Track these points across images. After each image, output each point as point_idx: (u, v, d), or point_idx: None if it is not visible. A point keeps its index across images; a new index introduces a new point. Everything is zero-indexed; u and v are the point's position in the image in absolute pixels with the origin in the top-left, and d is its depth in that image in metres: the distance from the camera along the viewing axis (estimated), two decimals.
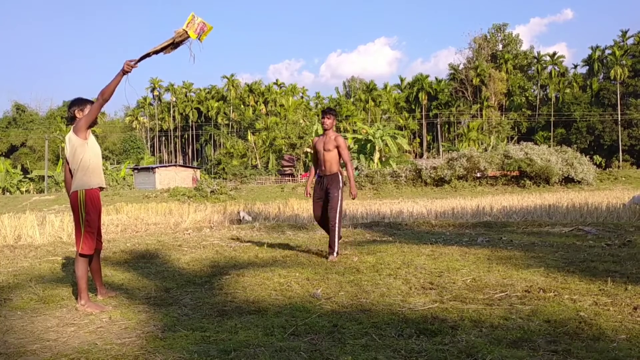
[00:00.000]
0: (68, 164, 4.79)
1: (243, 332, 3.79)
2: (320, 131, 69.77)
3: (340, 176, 7.07)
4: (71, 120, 4.83)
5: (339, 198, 6.94)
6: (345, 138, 70.96)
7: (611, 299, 4.39)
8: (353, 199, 7.10)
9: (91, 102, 4.80)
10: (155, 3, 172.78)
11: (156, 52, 4.68)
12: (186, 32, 4.66)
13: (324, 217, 7.15)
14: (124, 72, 4.57)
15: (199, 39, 4.72)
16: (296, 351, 3.36)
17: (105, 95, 4.58)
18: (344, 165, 7.24)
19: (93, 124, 4.77)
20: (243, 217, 15.68)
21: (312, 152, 7.75)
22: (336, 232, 6.81)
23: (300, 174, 64.97)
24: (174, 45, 4.70)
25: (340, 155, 7.07)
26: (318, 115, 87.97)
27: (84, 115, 4.72)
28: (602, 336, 3.50)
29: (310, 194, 7.34)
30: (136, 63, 4.61)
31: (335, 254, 6.77)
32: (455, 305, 4.34)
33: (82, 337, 3.83)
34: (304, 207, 20.51)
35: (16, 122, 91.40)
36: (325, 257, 6.87)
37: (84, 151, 4.69)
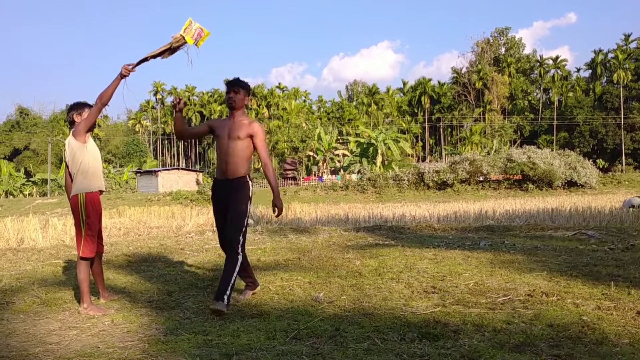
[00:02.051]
0: (68, 167, 4.81)
1: (245, 335, 3.79)
2: (324, 135, 69.35)
3: (249, 183, 4.82)
4: (71, 124, 4.87)
5: (244, 217, 4.70)
6: (348, 142, 71.54)
7: (614, 303, 4.37)
8: (277, 216, 4.89)
9: (89, 106, 4.83)
10: (160, 6, 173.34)
11: (153, 56, 4.70)
12: (183, 37, 4.67)
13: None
14: (122, 76, 4.60)
15: (195, 44, 4.73)
16: (298, 355, 3.35)
17: (104, 99, 4.61)
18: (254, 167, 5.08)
19: (92, 127, 4.79)
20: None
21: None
22: (234, 270, 4.57)
23: (303, 178, 64.98)
24: (171, 50, 4.71)
25: (255, 148, 4.81)
26: (321, 119, 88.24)
27: (82, 119, 4.75)
28: (605, 340, 3.49)
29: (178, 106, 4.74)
30: (134, 67, 4.64)
31: (225, 300, 4.41)
32: (458, 309, 4.33)
33: (85, 340, 3.83)
34: (307, 211, 20.52)
35: (19, 125, 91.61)
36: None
37: (84, 155, 4.71)
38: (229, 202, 4.74)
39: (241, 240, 4.69)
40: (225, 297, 4.43)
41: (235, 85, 4.82)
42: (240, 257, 4.65)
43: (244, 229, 4.70)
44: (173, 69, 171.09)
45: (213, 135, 4.91)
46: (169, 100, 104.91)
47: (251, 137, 4.74)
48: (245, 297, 4.95)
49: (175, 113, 4.76)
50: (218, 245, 8.82)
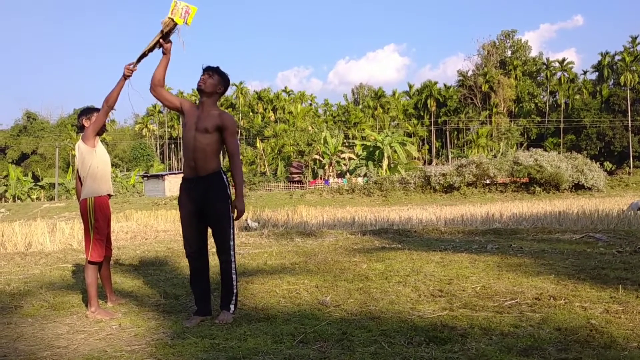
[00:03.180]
0: (78, 172, 4.83)
1: (252, 339, 3.79)
2: (330, 139, 69.25)
3: (225, 177, 4.43)
4: (80, 129, 4.90)
5: (229, 218, 4.36)
6: (354, 145, 71.52)
7: (622, 307, 4.35)
8: (236, 218, 4.37)
9: (99, 111, 4.84)
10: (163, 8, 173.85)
11: (151, 49, 4.64)
12: (172, 19, 4.59)
13: (202, 248, 4.50)
14: (125, 76, 4.59)
15: (186, 23, 4.67)
16: (305, 359, 3.35)
17: (110, 102, 4.62)
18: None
19: (101, 131, 4.81)
20: (250, 225, 15.69)
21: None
22: (233, 279, 4.41)
23: (309, 181, 65.01)
24: (164, 37, 4.64)
25: (225, 143, 4.39)
26: (326, 122, 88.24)
27: (90, 124, 4.77)
28: (614, 344, 3.47)
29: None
30: (135, 65, 4.62)
31: (231, 307, 4.40)
32: (465, 313, 4.32)
33: (92, 344, 3.84)
34: (313, 214, 20.53)
35: (27, 130, 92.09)
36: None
37: (92, 159, 4.73)
38: (206, 203, 4.32)
39: (232, 245, 4.39)
40: (232, 305, 4.40)
41: (211, 69, 4.46)
42: (234, 262, 4.42)
43: (232, 230, 4.38)
44: (178, 73, 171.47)
45: (181, 116, 4.50)
46: None
47: (220, 130, 4.32)
48: (220, 319, 4.33)
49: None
50: None
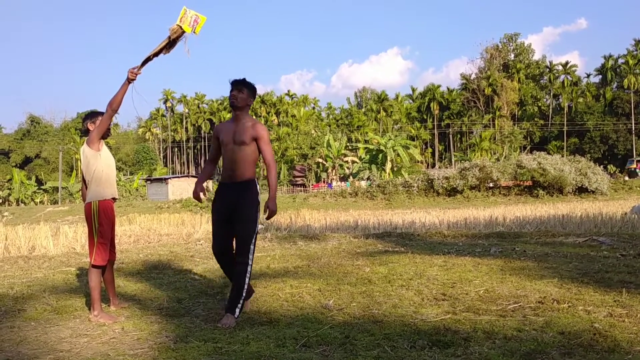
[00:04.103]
0: (84, 175, 4.84)
1: (255, 343, 3.79)
2: (333, 142, 69.41)
3: (257, 186, 4.68)
4: (85, 133, 4.90)
5: (255, 223, 4.59)
6: (357, 148, 71.55)
7: (626, 310, 4.34)
8: (267, 218, 4.65)
9: (103, 115, 4.85)
10: (169, 12, 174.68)
11: (156, 54, 4.67)
12: (180, 27, 4.62)
13: (230, 250, 4.70)
14: (129, 80, 4.60)
15: (194, 32, 4.69)
16: None
17: (114, 105, 4.63)
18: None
19: (106, 135, 4.81)
20: None
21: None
22: (244, 283, 4.47)
23: (312, 184, 65.03)
24: (170, 43, 4.67)
25: (260, 152, 4.63)
26: (330, 126, 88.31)
27: (95, 128, 4.78)
28: (617, 348, 3.46)
29: (199, 197, 4.86)
30: (139, 69, 4.64)
31: (237, 312, 4.42)
32: (468, 317, 4.31)
33: (95, 348, 3.85)
34: (316, 218, 20.52)
35: (30, 133, 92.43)
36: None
37: (97, 162, 4.73)
38: (237, 206, 4.54)
39: (252, 249, 4.55)
40: (237, 309, 4.41)
41: (240, 84, 4.63)
42: (250, 265, 4.54)
43: (255, 235, 4.57)
44: (182, 77, 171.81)
45: (217, 140, 4.74)
46: (179, 108, 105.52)
47: (256, 139, 4.57)
48: (222, 323, 4.40)
49: None
50: None
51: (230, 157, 4.59)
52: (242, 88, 4.61)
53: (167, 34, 4.64)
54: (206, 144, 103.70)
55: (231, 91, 4.61)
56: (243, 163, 4.57)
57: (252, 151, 4.58)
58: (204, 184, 4.92)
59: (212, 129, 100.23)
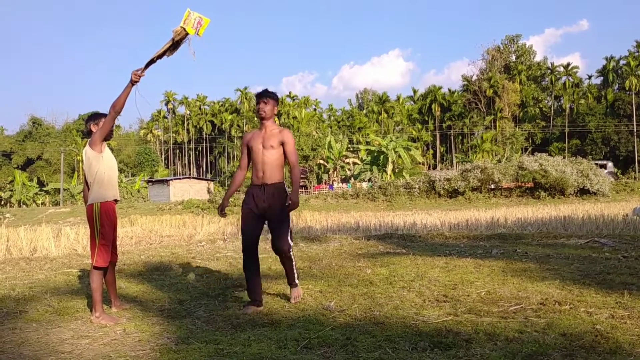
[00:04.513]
0: (86, 177, 4.84)
1: (256, 344, 3.79)
2: (334, 144, 69.46)
3: (286, 187, 5.14)
4: (88, 134, 4.90)
5: (288, 220, 5.09)
6: (358, 150, 71.52)
7: (628, 312, 4.33)
8: (290, 210, 5.05)
9: (106, 116, 4.85)
10: (171, 13, 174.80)
11: (159, 56, 4.67)
12: (184, 29, 4.63)
13: (256, 247, 5.13)
14: (132, 82, 4.60)
15: (197, 33, 4.70)
16: None
17: (117, 107, 4.63)
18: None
19: (108, 137, 4.81)
20: None
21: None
22: (293, 264, 5.15)
23: (313, 186, 65.00)
24: (174, 45, 4.67)
25: (285, 155, 5.10)
26: (331, 127, 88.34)
27: (97, 129, 4.78)
28: (619, 350, 3.45)
29: (225, 214, 5.28)
30: (143, 71, 4.64)
31: (297, 283, 5.23)
32: (470, 318, 4.31)
33: (97, 349, 3.85)
34: (317, 219, 20.51)
35: (32, 135, 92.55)
36: (287, 299, 5.29)
37: (99, 164, 4.74)
38: (270, 207, 4.98)
39: (291, 243, 5.07)
40: (296, 282, 5.20)
41: (264, 96, 5.06)
42: (293, 257, 5.14)
43: (290, 232, 5.07)
44: (184, 79, 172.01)
45: (248, 147, 5.15)
46: (180, 110, 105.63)
47: (282, 144, 5.03)
48: (294, 297, 5.19)
49: None
50: (229, 253, 8.88)
51: (261, 161, 5.02)
52: (267, 100, 5.06)
53: (170, 35, 4.65)
54: (207, 145, 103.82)
55: (257, 104, 5.08)
56: (272, 166, 5.02)
57: (280, 155, 5.05)
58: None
59: (213, 130, 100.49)
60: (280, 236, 5.02)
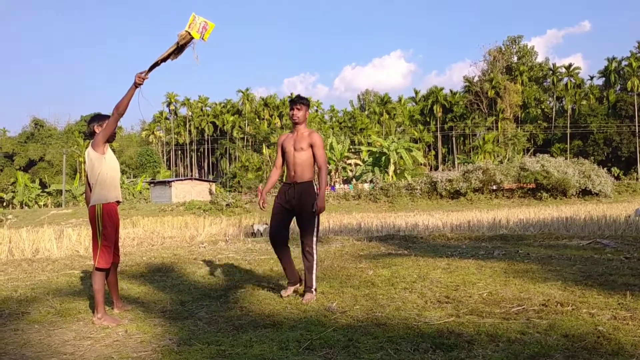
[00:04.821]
0: (88, 178, 4.84)
1: (258, 346, 3.79)
2: (336, 145, 69.55)
3: (315, 186, 5.55)
4: (91, 135, 4.89)
5: (315, 217, 5.46)
6: (360, 151, 71.47)
7: (630, 313, 4.32)
8: (317, 214, 5.40)
9: (109, 118, 4.85)
10: (172, 15, 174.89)
11: (164, 59, 4.68)
12: (189, 33, 4.64)
13: (284, 238, 5.58)
14: (136, 85, 4.60)
15: (202, 38, 4.71)
16: None
17: (120, 109, 4.63)
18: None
19: (111, 138, 4.81)
20: (257, 230, 15.71)
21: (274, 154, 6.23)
22: (314, 262, 5.41)
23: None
24: (179, 49, 4.68)
25: (314, 156, 5.50)
26: (333, 129, 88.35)
27: (100, 131, 4.78)
28: (621, 351, 3.45)
29: (264, 207, 5.64)
30: (146, 74, 4.64)
31: (313, 291, 5.37)
32: (472, 320, 4.31)
33: (99, 350, 3.85)
34: (319, 220, 20.49)
35: (34, 137, 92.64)
36: (301, 295, 5.47)
37: (102, 166, 4.74)
38: (299, 203, 5.40)
39: (315, 239, 5.43)
40: (313, 289, 5.35)
41: (298, 103, 5.51)
42: (315, 254, 5.42)
43: (316, 228, 5.47)
44: (186, 80, 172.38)
45: (282, 149, 5.63)
46: (182, 111, 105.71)
47: (311, 146, 5.44)
48: (306, 299, 5.30)
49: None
50: (231, 255, 8.89)
51: (292, 161, 5.47)
52: (300, 106, 5.51)
53: (175, 39, 4.66)
54: (209, 147, 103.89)
55: (291, 109, 5.54)
56: (302, 166, 5.45)
57: (309, 156, 5.46)
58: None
59: (215, 131, 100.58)
60: (307, 231, 5.41)
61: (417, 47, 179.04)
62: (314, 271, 5.39)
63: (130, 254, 9.49)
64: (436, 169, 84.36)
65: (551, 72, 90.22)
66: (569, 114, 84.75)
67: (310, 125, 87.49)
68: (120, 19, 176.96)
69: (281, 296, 5.41)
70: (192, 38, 4.65)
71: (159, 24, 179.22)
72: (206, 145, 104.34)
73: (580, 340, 3.66)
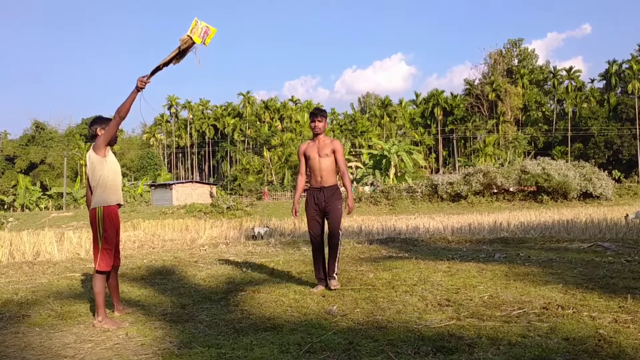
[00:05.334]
0: (89, 181, 4.85)
1: (258, 349, 3.79)
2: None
3: (340, 189, 6.17)
4: (92, 138, 4.88)
5: (341, 214, 6.09)
6: (361, 154, 71.52)
7: (631, 316, 4.32)
8: (348, 213, 6.09)
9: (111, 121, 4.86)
10: (172, 18, 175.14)
11: (165, 64, 4.71)
12: (190, 38, 4.67)
13: (322, 238, 6.16)
14: (138, 89, 4.62)
15: (203, 43, 4.73)
16: None
17: (122, 113, 4.64)
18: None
19: (112, 142, 4.82)
20: (258, 233, 15.71)
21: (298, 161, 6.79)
22: (338, 252, 6.02)
23: None
24: (180, 53, 4.71)
25: (336, 162, 6.06)
26: (333, 132, 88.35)
27: (102, 134, 4.78)
28: (622, 354, 3.44)
29: (298, 214, 6.23)
30: (148, 78, 4.66)
31: (335, 276, 5.99)
32: (472, 323, 4.30)
33: (100, 353, 3.85)
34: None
35: (35, 139, 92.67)
36: (328, 288, 5.93)
37: (103, 168, 4.74)
38: (327, 204, 5.99)
39: (340, 233, 6.05)
40: (335, 275, 5.95)
41: (318, 115, 6.06)
42: (340, 243, 6.06)
43: (341, 223, 6.08)
44: (187, 83, 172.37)
45: (305, 156, 6.14)
46: (183, 114, 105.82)
47: (334, 152, 6.00)
48: (333, 286, 5.89)
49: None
50: (231, 257, 8.92)
51: (318, 167, 6.02)
52: (321, 118, 6.07)
53: (177, 44, 4.68)
54: (210, 150, 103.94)
55: (312, 122, 6.08)
56: (327, 171, 6.01)
57: (332, 162, 6.03)
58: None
59: (216, 134, 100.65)
60: (335, 226, 5.99)
61: (418, 50, 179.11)
62: (337, 263, 6.00)
63: (131, 257, 9.49)
64: (437, 171, 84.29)
65: (552, 75, 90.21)
66: (569, 117, 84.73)
67: (309, 128, 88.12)
68: (122, 21, 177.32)
69: (311, 292, 5.80)
70: (193, 43, 4.68)
71: (159, 25, 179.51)
72: (207, 148, 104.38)
73: (581, 344, 3.66)
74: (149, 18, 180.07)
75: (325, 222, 6.13)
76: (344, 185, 6.11)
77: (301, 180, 6.32)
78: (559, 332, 3.97)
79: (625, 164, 77.46)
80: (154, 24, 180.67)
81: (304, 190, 6.37)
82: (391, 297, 5.41)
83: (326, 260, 6.08)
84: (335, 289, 5.80)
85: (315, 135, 6.09)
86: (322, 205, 6.02)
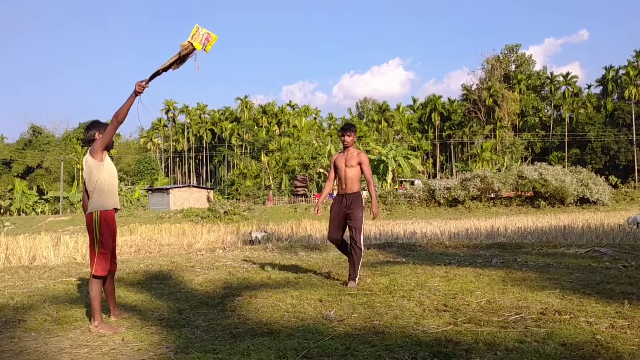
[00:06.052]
0: (85, 185, 4.83)
1: (255, 354, 3.78)
2: (334, 152, 70.15)
3: (362, 196, 6.71)
4: (89, 142, 4.87)
5: (362, 219, 6.60)
6: None
7: (628, 322, 4.32)
8: (373, 218, 6.65)
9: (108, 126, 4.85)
10: (172, 22, 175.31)
11: (165, 69, 4.70)
12: (191, 44, 4.67)
13: (340, 236, 6.80)
14: (136, 93, 4.61)
15: (204, 49, 4.73)
16: None
17: (119, 117, 4.63)
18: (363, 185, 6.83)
19: (109, 146, 4.81)
20: (255, 238, 15.68)
21: (325, 171, 7.16)
22: (360, 256, 6.51)
23: (313, 195, 65.03)
24: (181, 59, 4.71)
25: (362, 172, 6.69)
26: (331, 136, 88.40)
27: (99, 138, 4.77)
28: (619, 359, 3.44)
29: (319, 212, 6.98)
30: (147, 83, 4.65)
31: (357, 279, 6.44)
32: (470, 328, 4.30)
33: (95, 358, 3.84)
34: (317, 228, 20.49)
35: (32, 143, 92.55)
36: (344, 283, 6.51)
37: (100, 173, 4.73)
38: (350, 210, 6.57)
39: (362, 238, 6.54)
40: (357, 278, 6.45)
41: (348, 130, 6.68)
42: (362, 250, 6.55)
43: (362, 228, 6.59)
44: (184, 87, 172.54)
45: (334, 166, 6.81)
46: (180, 118, 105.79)
47: (360, 164, 6.64)
48: (350, 286, 6.33)
49: None
50: (228, 262, 8.89)
51: (344, 176, 6.68)
52: (350, 133, 6.67)
53: (177, 49, 4.68)
54: (207, 154, 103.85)
55: (342, 136, 6.71)
56: (352, 180, 6.66)
57: (358, 172, 6.68)
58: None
59: (214, 139, 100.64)
60: (356, 231, 6.49)
61: (416, 55, 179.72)
62: (360, 263, 6.50)
63: (128, 262, 9.46)
64: (434, 177, 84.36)
65: (549, 80, 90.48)
66: (566, 123, 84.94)
67: (308, 132, 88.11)
68: (120, 26, 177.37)
69: (345, 285, 6.37)
70: (194, 49, 4.68)
71: (159, 28, 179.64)
72: (204, 153, 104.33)
73: (578, 349, 3.66)
74: (148, 22, 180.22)
75: (347, 226, 6.70)
76: (369, 193, 6.72)
77: (328, 185, 7.01)
78: (556, 337, 3.97)
79: (622, 169, 77.64)
80: (152, 29, 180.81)
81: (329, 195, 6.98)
82: (388, 302, 5.41)
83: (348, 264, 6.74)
84: (351, 287, 6.24)
85: (345, 147, 6.72)
86: (345, 210, 6.62)
